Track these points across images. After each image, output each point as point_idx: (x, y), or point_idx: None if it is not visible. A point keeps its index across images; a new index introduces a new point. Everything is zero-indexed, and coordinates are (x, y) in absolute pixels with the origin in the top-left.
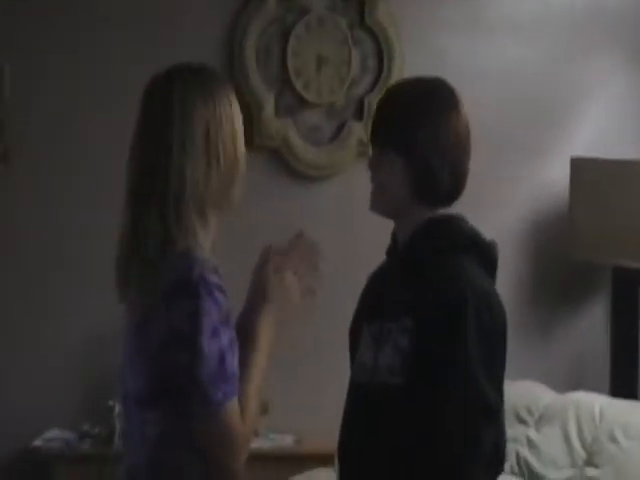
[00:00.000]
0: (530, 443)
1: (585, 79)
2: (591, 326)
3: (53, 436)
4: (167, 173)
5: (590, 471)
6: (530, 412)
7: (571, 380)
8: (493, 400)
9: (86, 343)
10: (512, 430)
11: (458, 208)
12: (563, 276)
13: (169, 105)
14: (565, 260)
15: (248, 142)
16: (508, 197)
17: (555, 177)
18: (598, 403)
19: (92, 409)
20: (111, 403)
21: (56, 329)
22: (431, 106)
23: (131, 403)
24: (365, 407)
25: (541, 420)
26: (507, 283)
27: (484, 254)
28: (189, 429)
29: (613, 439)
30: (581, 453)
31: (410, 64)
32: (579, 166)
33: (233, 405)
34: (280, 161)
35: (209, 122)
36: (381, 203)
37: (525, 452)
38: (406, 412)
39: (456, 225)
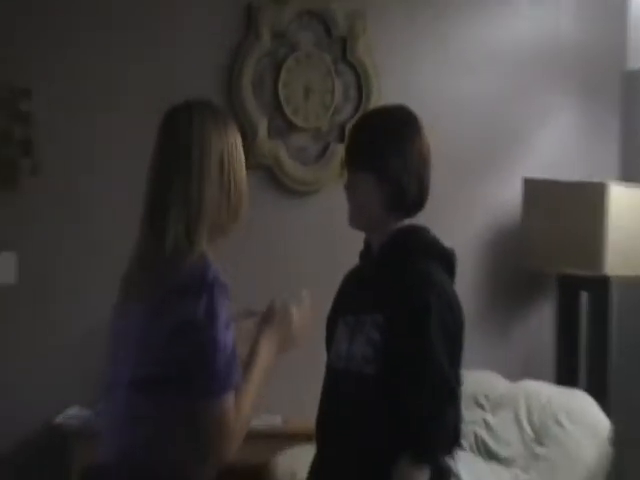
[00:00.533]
0: (487, 425)
1: (537, 109)
2: (539, 325)
3: (73, 414)
4: (187, 193)
5: (537, 449)
6: (487, 398)
7: (522, 370)
8: (455, 386)
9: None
10: (471, 414)
11: (424, 222)
12: (516, 282)
13: (189, 136)
14: (517, 268)
15: (245, 163)
16: (468, 213)
17: (509, 196)
18: (545, 391)
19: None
20: None
21: (77, 313)
22: (399, 132)
23: (127, 387)
24: (340, 390)
25: (496, 405)
26: (468, 288)
27: (445, 259)
28: (191, 412)
29: (557, 422)
30: (530, 434)
31: (385, 94)
32: (530, 186)
33: (231, 398)
34: (272, 178)
35: (223, 152)
36: (359, 220)
37: (482, 433)
38: (378, 398)
39: (421, 234)
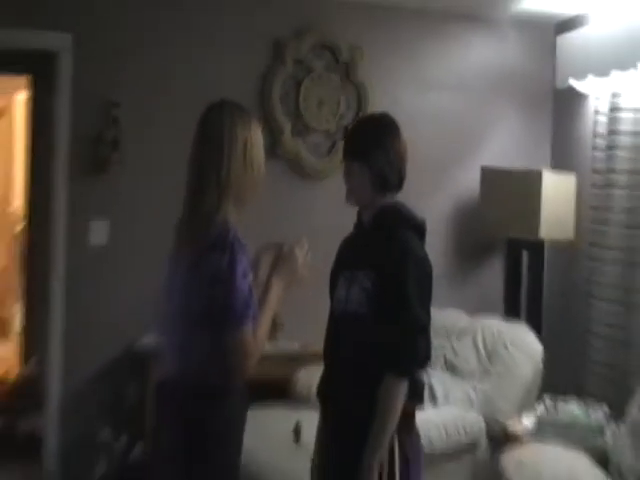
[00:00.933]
0: (453, 349)
1: (491, 117)
2: (492, 276)
3: (149, 340)
4: (218, 172)
5: (489, 367)
6: (453, 329)
7: (478, 309)
8: (425, 321)
9: None
10: (441, 341)
11: (403, 200)
12: (474, 244)
13: (221, 127)
14: (476, 234)
15: (273, 154)
16: (438, 194)
17: (470, 181)
18: (495, 324)
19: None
20: None
21: (150, 265)
22: (382, 133)
23: (179, 321)
24: (340, 327)
25: (459, 334)
26: (438, 249)
27: (418, 227)
28: (220, 340)
29: (504, 347)
30: (484, 355)
31: (377, 105)
32: (486, 173)
33: (249, 329)
34: (294, 167)
35: (246, 140)
36: (353, 198)
37: (450, 355)
38: (368, 331)
39: (400, 209)
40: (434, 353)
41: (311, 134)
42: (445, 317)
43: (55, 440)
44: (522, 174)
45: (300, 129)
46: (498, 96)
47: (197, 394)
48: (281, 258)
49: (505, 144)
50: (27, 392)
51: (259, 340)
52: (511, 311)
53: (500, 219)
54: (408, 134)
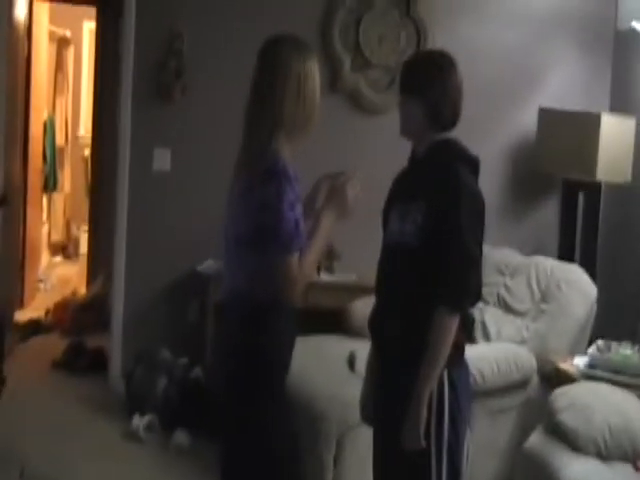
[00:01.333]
0: (506, 287)
1: (551, 57)
2: (547, 216)
3: (209, 264)
4: (272, 104)
5: (542, 306)
6: (507, 267)
7: (533, 249)
8: (476, 255)
9: None
10: (495, 279)
11: (460, 136)
12: (530, 183)
13: (276, 60)
14: (532, 173)
15: (332, 88)
16: (496, 132)
17: (528, 121)
18: (550, 263)
19: None
20: None
21: (210, 192)
22: (438, 68)
23: (233, 244)
24: (392, 259)
25: (514, 273)
26: (493, 187)
27: (471, 163)
28: (269, 264)
29: (558, 287)
30: (537, 294)
31: (436, 41)
32: (544, 114)
33: (296, 256)
34: (354, 101)
35: (300, 75)
36: (407, 131)
37: (503, 293)
38: (420, 264)
39: (454, 144)
40: (488, 290)
41: (371, 69)
42: (499, 255)
43: (119, 357)
44: (580, 116)
45: (360, 64)
46: (559, 36)
47: (245, 314)
48: (333, 190)
49: (564, 85)
50: (94, 311)
51: (305, 268)
52: (565, 253)
53: (556, 160)
54: (466, 71)
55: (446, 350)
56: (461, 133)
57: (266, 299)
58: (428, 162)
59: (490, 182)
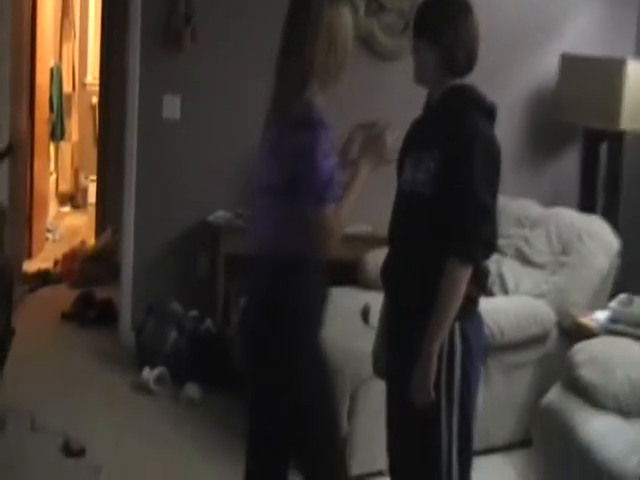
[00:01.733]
0: (525, 239)
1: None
2: (568, 166)
3: (220, 214)
4: (303, 53)
5: (563, 258)
6: (526, 219)
7: (553, 200)
8: (490, 205)
9: (245, 152)
10: (514, 231)
11: (479, 82)
12: (550, 132)
13: (307, 8)
14: (552, 121)
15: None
16: (515, 77)
17: (548, 66)
18: (570, 215)
19: (244, 198)
20: None
21: (221, 141)
22: (452, 11)
23: (264, 194)
24: (406, 208)
25: (533, 224)
26: (512, 135)
27: (487, 110)
28: (303, 216)
29: (579, 238)
30: (557, 246)
31: None
32: (566, 59)
33: (331, 207)
34: (368, 46)
35: (331, 23)
36: (421, 77)
37: (522, 245)
38: (432, 213)
39: (470, 91)
40: (506, 242)
41: (385, 14)
42: (517, 206)
43: (129, 309)
44: (604, 62)
45: (374, 8)
46: None
47: (277, 267)
48: (370, 140)
49: (587, 30)
50: (103, 262)
51: (341, 220)
52: (586, 205)
53: (578, 108)
54: (485, 15)
55: (456, 302)
56: (479, 80)
57: (298, 252)
58: (442, 109)
59: (508, 131)
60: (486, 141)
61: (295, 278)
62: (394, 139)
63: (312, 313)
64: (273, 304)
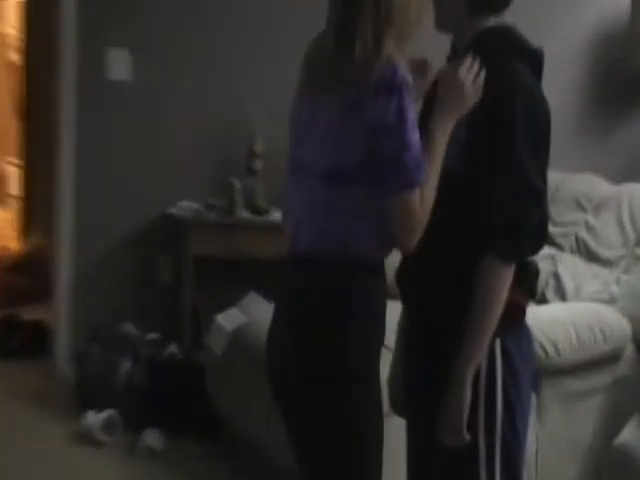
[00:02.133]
0: (588, 227)
1: None
2: None
3: (185, 206)
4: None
5: (638, 250)
6: (589, 200)
7: (626, 174)
8: (538, 184)
9: (215, 126)
10: (572, 215)
11: (526, 19)
12: (621, 84)
13: None
14: (623, 70)
15: None
16: (571, 10)
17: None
18: None
19: (216, 185)
20: (233, 180)
21: (190, 113)
22: None
23: (319, 182)
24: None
25: (598, 207)
26: (567, 92)
27: (531, 58)
28: (380, 207)
29: None
30: (632, 235)
31: None
32: None
33: (420, 190)
34: None
35: None
36: (443, 22)
37: (583, 234)
38: (464, 197)
39: (507, 33)
40: (562, 231)
41: None
42: (578, 184)
43: (66, 333)
44: None
45: None
46: None
47: (338, 270)
48: (441, 86)
49: None
50: (31, 272)
51: (427, 207)
52: None
53: None
54: None
55: (496, 314)
56: (520, 20)
57: (369, 253)
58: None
59: (565, 86)
60: (532, 100)
61: (362, 288)
62: (473, 73)
63: (379, 335)
64: (331, 323)
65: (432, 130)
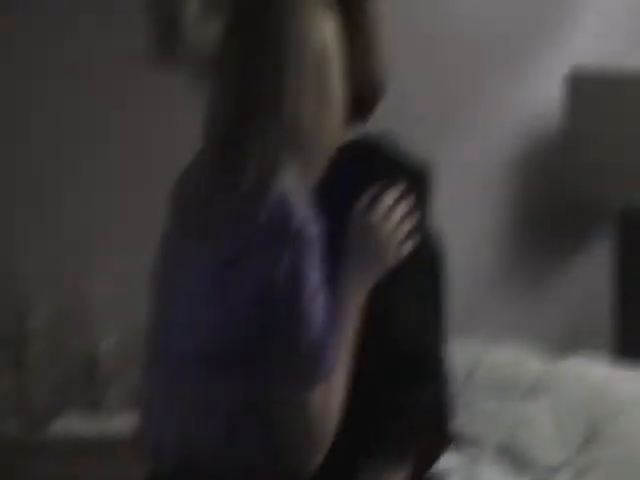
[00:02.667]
0: (516, 420)
1: None
2: (592, 276)
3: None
4: (279, 104)
5: (588, 456)
6: (517, 382)
7: (567, 342)
8: (437, 359)
9: None
10: (497, 404)
11: (438, 129)
12: (557, 217)
13: (283, 21)
14: (559, 198)
15: (166, 50)
16: (492, 120)
17: (547, 95)
18: (599, 370)
19: None
20: None
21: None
22: None
23: (191, 364)
24: None
25: (528, 393)
26: (490, 224)
27: (412, 177)
28: (268, 403)
29: (617, 414)
30: (578, 432)
31: None
32: (576, 78)
33: (322, 386)
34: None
35: (324, 47)
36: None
37: (509, 432)
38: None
39: (378, 146)
40: (480, 428)
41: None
42: (498, 358)
43: None
44: None
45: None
46: None
47: None
48: (352, 235)
49: (607, 27)
50: None
51: (335, 402)
52: (629, 345)
53: (605, 169)
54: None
55: None
56: (418, 127)
57: (255, 464)
58: (337, 181)
59: (483, 217)
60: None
61: None
62: (399, 219)
63: None
64: None
65: (339, 298)
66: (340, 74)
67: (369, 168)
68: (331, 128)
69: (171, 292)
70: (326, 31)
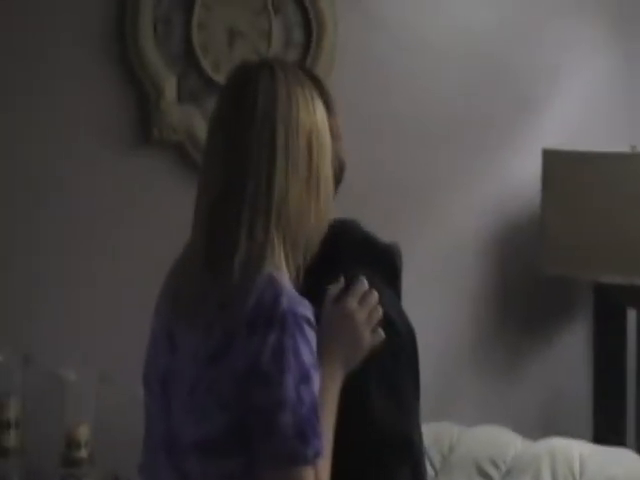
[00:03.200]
0: None
1: (559, 50)
2: (569, 357)
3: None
4: (269, 190)
5: None
6: (495, 464)
7: (545, 423)
8: (412, 441)
9: None
10: None
11: (406, 207)
12: (534, 295)
13: (273, 107)
14: (536, 276)
15: (145, 137)
16: (467, 198)
17: (524, 174)
18: (578, 452)
19: None
20: None
21: None
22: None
23: (188, 452)
24: None
25: (509, 475)
26: (467, 303)
27: (381, 263)
28: None
29: None
30: None
31: (345, 36)
32: (551, 160)
33: (309, 471)
34: (183, 156)
35: (312, 133)
36: None
37: None
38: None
39: (345, 230)
40: None
41: (212, 92)
42: (475, 440)
43: None
44: (621, 161)
45: (194, 88)
46: (571, 11)
47: None
48: (330, 319)
49: (584, 104)
50: None
51: None
52: (608, 426)
53: (581, 247)
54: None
55: None
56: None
57: None
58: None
59: (460, 297)
60: (386, 326)
61: None
62: (370, 302)
63: None
64: None
65: (327, 371)
66: (329, 156)
67: (339, 249)
68: (321, 209)
69: (169, 384)
70: (314, 116)
